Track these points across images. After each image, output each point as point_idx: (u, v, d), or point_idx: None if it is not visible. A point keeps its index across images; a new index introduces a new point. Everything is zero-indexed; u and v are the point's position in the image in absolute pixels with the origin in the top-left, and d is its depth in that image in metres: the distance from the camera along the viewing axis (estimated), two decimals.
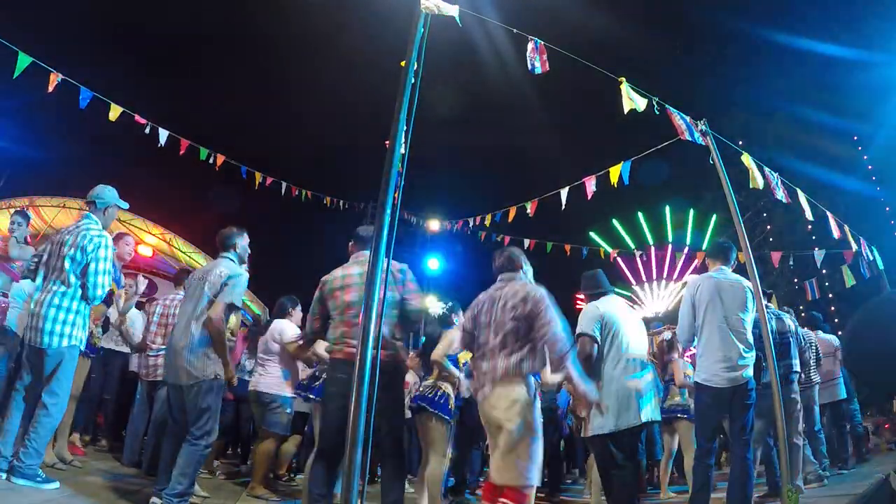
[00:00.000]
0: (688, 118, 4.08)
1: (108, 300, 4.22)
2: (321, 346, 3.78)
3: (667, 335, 5.49)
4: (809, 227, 16.72)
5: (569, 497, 5.98)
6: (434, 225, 12.86)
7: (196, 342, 3.14)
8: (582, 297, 3.56)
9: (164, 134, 6.65)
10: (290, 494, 4.42)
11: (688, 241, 24.76)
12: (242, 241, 3.54)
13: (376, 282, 1.97)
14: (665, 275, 25.55)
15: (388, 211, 2.08)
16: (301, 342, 4.00)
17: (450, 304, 4.34)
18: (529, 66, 3.58)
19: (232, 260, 3.42)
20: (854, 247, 5.46)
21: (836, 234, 5.10)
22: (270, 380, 4.29)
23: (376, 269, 1.99)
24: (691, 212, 24.82)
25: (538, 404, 2.87)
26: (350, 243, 3.24)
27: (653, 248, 24.97)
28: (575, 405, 3.06)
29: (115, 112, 6.06)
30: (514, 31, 3.47)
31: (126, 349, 5.21)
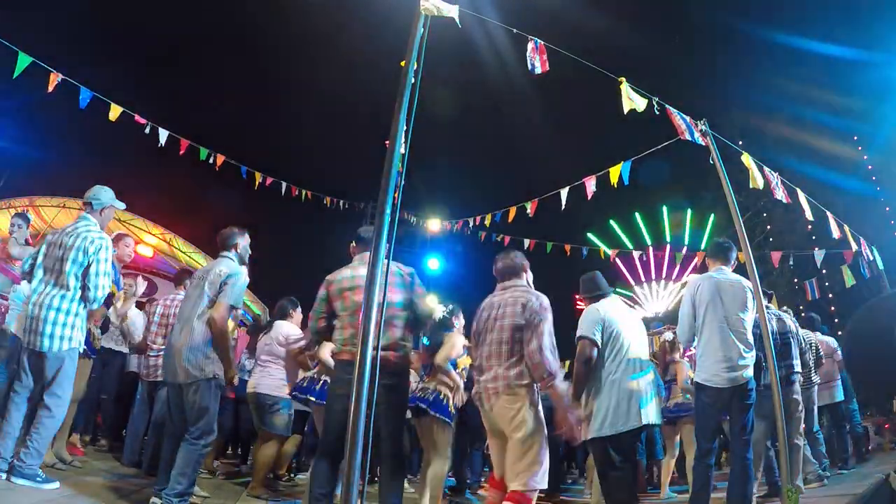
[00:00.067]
0: (688, 118, 4.08)
1: (108, 302, 4.23)
2: (326, 352, 3.79)
3: (668, 336, 5.50)
4: (809, 227, 16.72)
5: (569, 497, 5.98)
6: (434, 225, 12.86)
7: (195, 341, 3.13)
8: (581, 298, 3.55)
9: (164, 134, 6.66)
10: (290, 494, 4.43)
11: (686, 241, 24.78)
12: (243, 241, 3.54)
13: (376, 282, 1.97)
14: (664, 275, 25.55)
15: (388, 211, 2.08)
16: (304, 346, 4.02)
17: (450, 307, 4.33)
18: (529, 66, 3.57)
19: (232, 259, 3.42)
20: (854, 247, 5.45)
21: (836, 234, 5.09)
22: (271, 381, 4.29)
23: (376, 270, 1.99)
24: (689, 212, 24.84)
25: (541, 408, 2.88)
26: (352, 244, 3.25)
27: (651, 249, 24.97)
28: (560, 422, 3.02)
29: (115, 112, 6.07)
30: (514, 31, 3.47)
31: (125, 349, 5.21)
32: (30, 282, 3.20)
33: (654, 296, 25.88)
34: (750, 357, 3.36)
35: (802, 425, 4.32)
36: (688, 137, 4.06)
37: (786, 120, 21.59)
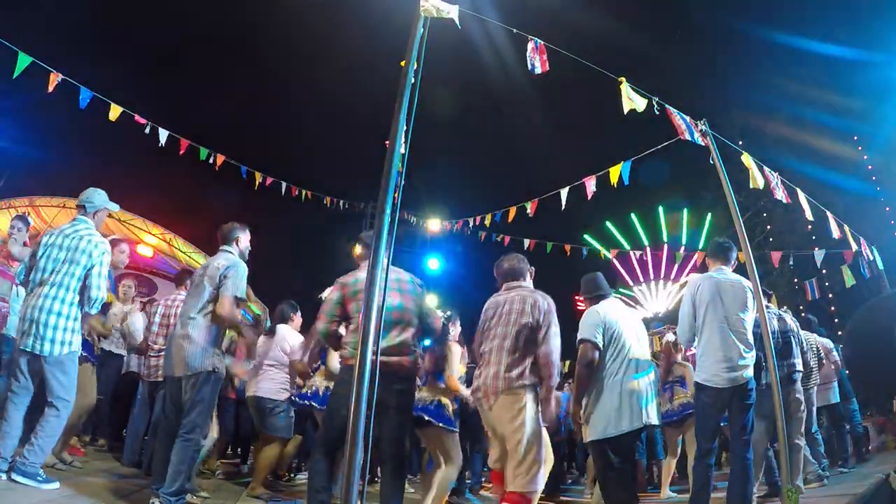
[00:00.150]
0: (688, 118, 4.08)
1: (104, 309, 4.24)
2: (335, 361, 3.80)
3: (670, 336, 5.50)
4: (809, 227, 16.71)
5: (569, 497, 5.99)
6: (434, 225, 12.86)
7: (195, 335, 3.14)
8: (582, 299, 3.56)
9: (164, 134, 6.66)
10: (290, 494, 4.43)
11: (684, 240, 24.77)
12: (245, 237, 3.55)
13: (376, 283, 1.97)
14: (663, 275, 25.54)
15: (388, 211, 2.08)
16: (307, 357, 4.05)
17: (448, 313, 4.32)
18: (529, 67, 3.57)
19: (231, 252, 3.42)
20: (854, 247, 5.45)
21: (836, 234, 5.09)
22: (271, 385, 4.30)
23: (376, 270, 1.99)
24: (685, 211, 24.84)
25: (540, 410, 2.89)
26: (356, 248, 3.27)
27: (649, 249, 24.96)
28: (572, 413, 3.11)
29: (115, 112, 6.07)
30: (514, 31, 3.47)
31: (124, 352, 5.21)
32: (26, 286, 3.18)
33: (654, 296, 25.87)
34: (750, 357, 3.36)
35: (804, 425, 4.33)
36: (688, 137, 4.06)
37: (786, 120, 21.58)
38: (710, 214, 22.81)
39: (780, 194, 4.55)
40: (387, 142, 2.22)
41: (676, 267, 24.56)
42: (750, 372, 3.34)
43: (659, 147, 4.75)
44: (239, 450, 7.06)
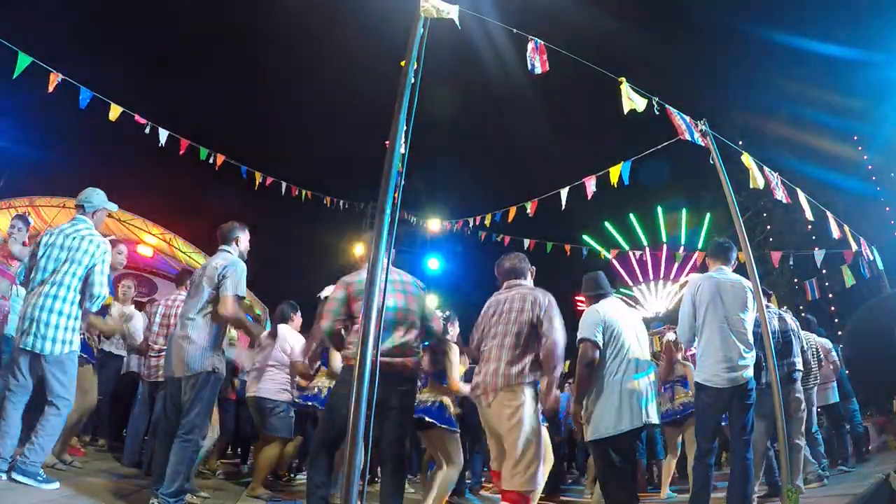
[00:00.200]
0: (688, 118, 4.08)
1: (102, 311, 4.24)
2: (337, 361, 3.80)
3: (671, 335, 5.50)
4: (809, 227, 16.69)
5: (569, 497, 5.99)
6: (434, 225, 12.86)
7: (195, 336, 3.14)
8: (582, 298, 3.56)
9: (164, 134, 6.65)
10: (290, 494, 4.43)
11: (683, 240, 24.77)
12: (245, 237, 3.55)
13: (376, 282, 1.97)
14: (662, 275, 25.53)
15: (388, 211, 2.08)
16: (307, 358, 4.06)
17: (447, 313, 4.33)
18: (529, 67, 3.57)
19: (230, 252, 3.41)
20: (854, 247, 5.45)
21: (836, 234, 5.09)
22: (272, 385, 4.30)
23: (376, 270, 1.99)
24: (684, 211, 24.84)
25: (539, 408, 2.89)
26: (359, 250, 3.29)
27: (648, 249, 24.95)
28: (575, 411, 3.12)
29: (115, 112, 6.07)
30: (514, 31, 3.47)
31: (123, 352, 5.21)
32: (27, 285, 3.18)
33: (654, 296, 25.87)
34: (750, 357, 3.36)
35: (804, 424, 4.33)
36: (688, 137, 4.06)
37: (786, 120, 21.59)
38: (708, 214, 22.81)
39: (780, 194, 4.55)
40: (387, 142, 2.22)
41: (676, 267, 24.56)
42: (750, 372, 3.34)
43: (659, 147, 4.75)
44: (239, 450, 7.06)
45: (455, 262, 16.95)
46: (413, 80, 2.35)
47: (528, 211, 7.38)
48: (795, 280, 18.57)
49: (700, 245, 21.60)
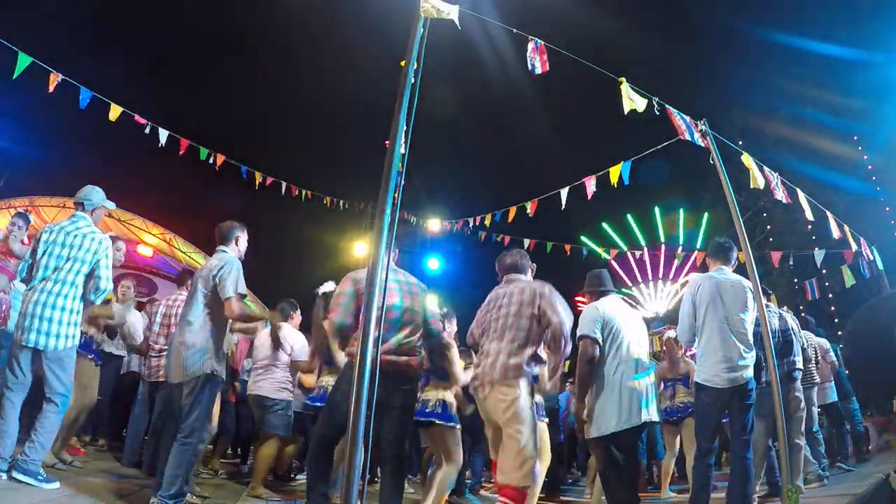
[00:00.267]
0: (688, 118, 4.08)
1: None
2: (341, 355, 3.81)
3: (671, 333, 5.50)
4: (809, 227, 16.68)
5: (569, 497, 5.99)
6: (434, 225, 12.86)
7: (192, 339, 3.14)
8: (582, 298, 3.57)
9: (164, 134, 6.65)
10: (290, 494, 4.43)
11: (681, 240, 24.77)
12: (244, 237, 3.53)
13: (376, 282, 1.97)
14: (661, 275, 25.52)
15: (388, 211, 2.08)
16: (312, 358, 4.08)
17: (445, 310, 4.34)
18: (529, 67, 3.58)
19: (224, 251, 3.38)
20: (854, 247, 5.45)
21: (836, 234, 5.09)
22: (271, 384, 4.32)
23: (376, 270, 1.99)
24: (682, 211, 24.84)
25: (536, 402, 2.90)
26: (365, 250, 3.30)
27: (647, 249, 24.94)
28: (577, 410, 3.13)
29: (115, 112, 6.07)
30: (514, 31, 3.47)
31: (124, 352, 5.21)
32: (28, 283, 3.19)
33: (655, 296, 25.87)
34: (750, 357, 3.37)
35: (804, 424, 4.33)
36: (687, 138, 4.06)
37: (786, 120, 21.58)
38: (706, 214, 22.82)
39: (780, 194, 4.55)
40: (387, 142, 2.22)
41: (675, 266, 24.56)
42: (750, 372, 3.34)
43: (659, 147, 4.75)
44: (239, 450, 7.06)
45: (455, 262, 16.97)
46: (413, 80, 2.35)
47: (528, 211, 7.38)
48: (795, 280, 18.56)
49: (699, 245, 21.59)
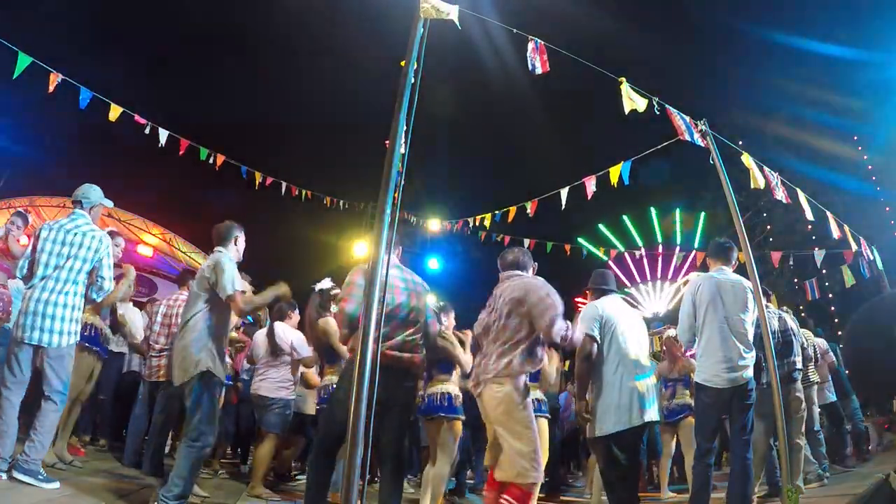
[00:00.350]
0: (687, 119, 4.08)
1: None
2: (344, 349, 3.82)
3: (671, 332, 5.51)
4: (809, 227, 16.69)
5: (569, 497, 5.99)
6: (434, 225, 12.85)
7: (188, 340, 3.14)
8: (581, 299, 3.58)
9: (164, 134, 6.65)
10: (290, 494, 4.43)
11: (678, 240, 24.76)
12: (242, 236, 3.52)
13: (376, 282, 1.97)
14: (660, 275, 25.52)
15: (388, 211, 2.08)
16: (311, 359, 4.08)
17: (442, 303, 4.35)
18: (529, 67, 3.58)
19: (219, 251, 3.36)
20: (854, 247, 5.46)
21: (836, 234, 5.10)
22: (269, 383, 4.35)
23: (376, 269, 1.99)
24: (677, 211, 24.83)
25: (536, 398, 2.90)
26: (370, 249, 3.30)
27: (646, 249, 24.94)
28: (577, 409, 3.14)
29: (115, 112, 6.06)
30: (514, 31, 3.47)
31: (125, 349, 5.21)
32: (27, 281, 3.19)
33: (655, 296, 25.86)
34: (750, 357, 3.37)
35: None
36: (687, 138, 4.06)
37: (786, 120, 21.58)
38: (703, 214, 22.83)
39: (780, 194, 4.55)
40: (387, 142, 2.22)
41: (674, 266, 24.56)
42: (750, 372, 3.34)
43: (659, 147, 4.75)
44: (239, 450, 7.06)
45: (455, 262, 16.97)
46: (413, 80, 2.35)
47: (528, 211, 7.38)
48: (795, 280, 18.55)
49: (696, 244, 21.59)
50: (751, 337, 3.43)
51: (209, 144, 7.44)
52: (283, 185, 9.10)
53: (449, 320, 4.26)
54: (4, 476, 2.87)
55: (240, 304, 3.17)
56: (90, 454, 4.91)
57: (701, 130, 4.07)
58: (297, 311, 4.76)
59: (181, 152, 7.05)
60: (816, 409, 5.02)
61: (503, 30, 3.39)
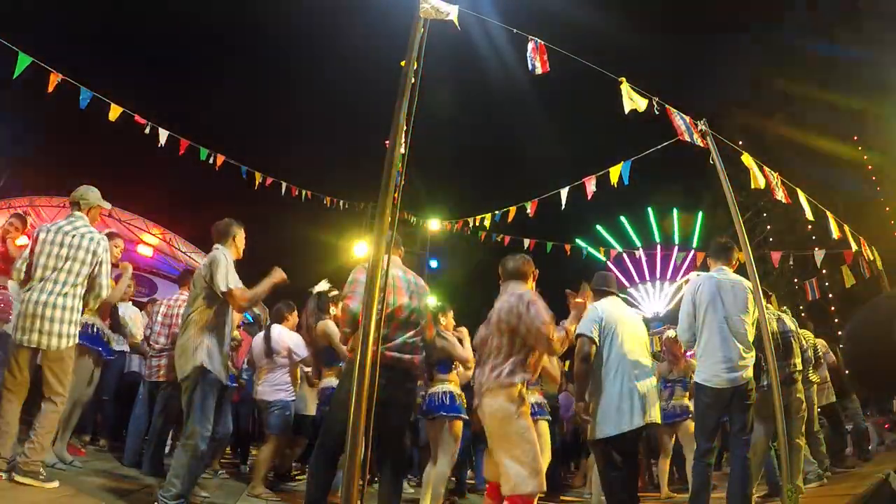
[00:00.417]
0: (687, 119, 4.08)
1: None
2: (344, 349, 3.83)
3: (670, 333, 5.51)
4: (809, 227, 16.70)
5: (569, 497, 5.98)
6: (434, 225, 12.85)
7: (185, 338, 3.15)
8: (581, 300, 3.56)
9: (164, 134, 6.64)
10: (290, 494, 4.43)
11: (676, 240, 24.78)
12: (241, 234, 3.51)
13: (376, 282, 1.97)
14: (659, 275, 25.53)
15: (388, 211, 2.08)
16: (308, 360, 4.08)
17: (440, 304, 4.35)
18: (529, 67, 3.58)
19: (216, 249, 3.34)
20: (854, 247, 5.45)
21: (836, 234, 5.09)
22: (268, 387, 4.38)
23: (376, 269, 1.99)
24: (675, 211, 24.86)
25: (536, 402, 2.89)
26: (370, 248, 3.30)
27: (644, 250, 24.95)
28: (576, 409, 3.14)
29: (115, 112, 6.06)
30: (514, 31, 3.47)
31: (126, 347, 5.21)
32: (26, 283, 3.17)
33: (655, 296, 25.86)
34: (750, 358, 3.37)
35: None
36: (687, 139, 4.06)
37: (786, 120, 21.59)
38: (700, 213, 22.85)
39: (780, 194, 4.55)
40: (387, 142, 2.22)
41: (674, 266, 24.57)
42: (750, 372, 3.34)
43: (659, 147, 4.75)
44: (239, 450, 7.05)
45: (455, 262, 16.97)
46: (413, 80, 2.35)
47: (528, 211, 7.37)
48: (795, 280, 18.57)
49: (696, 244, 21.60)
50: (751, 337, 3.43)
51: (209, 144, 7.44)
52: (283, 185, 9.09)
53: (447, 320, 4.26)
54: (4, 476, 2.87)
55: (237, 299, 3.17)
56: (90, 454, 4.90)
57: (700, 131, 4.06)
58: (295, 313, 4.76)
59: (181, 152, 7.05)
60: (816, 410, 5.02)
61: (503, 30, 3.39)
